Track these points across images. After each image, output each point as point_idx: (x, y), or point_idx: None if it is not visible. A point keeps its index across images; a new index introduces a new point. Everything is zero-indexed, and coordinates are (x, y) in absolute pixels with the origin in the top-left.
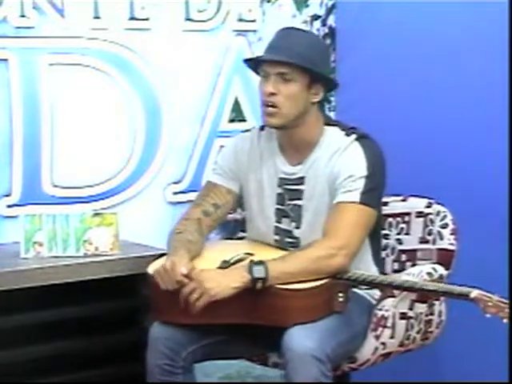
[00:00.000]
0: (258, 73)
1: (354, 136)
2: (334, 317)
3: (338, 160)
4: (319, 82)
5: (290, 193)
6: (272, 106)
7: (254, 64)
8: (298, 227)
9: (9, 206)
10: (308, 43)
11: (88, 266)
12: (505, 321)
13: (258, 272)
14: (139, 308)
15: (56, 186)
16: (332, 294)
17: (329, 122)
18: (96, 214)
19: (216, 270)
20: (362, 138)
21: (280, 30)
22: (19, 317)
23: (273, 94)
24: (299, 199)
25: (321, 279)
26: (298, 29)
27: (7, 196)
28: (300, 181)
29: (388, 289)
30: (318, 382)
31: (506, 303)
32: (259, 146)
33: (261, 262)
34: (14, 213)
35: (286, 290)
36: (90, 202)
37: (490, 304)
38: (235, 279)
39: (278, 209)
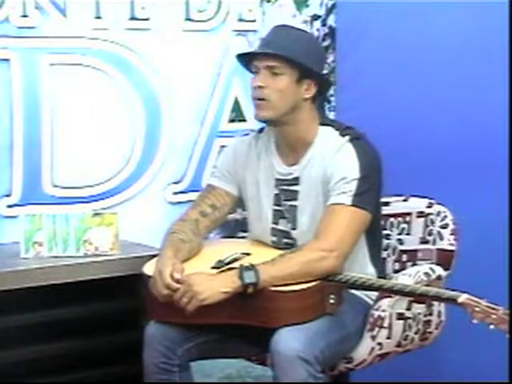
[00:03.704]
0: (251, 72)
1: (347, 137)
2: (324, 318)
3: (331, 161)
4: (310, 78)
5: (285, 193)
6: (262, 100)
7: (246, 61)
8: (294, 228)
9: (9, 206)
10: (297, 39)
11: (88, 266)
12: (491, 327)
13: (249, 277)
14: (139, 308)
15: (56, 186)
16: (323, 296)
17: (324, 122)
18: (96, 214)
19: (206, 274)
20: (355, 140)
21: (273, 27)
22: (19, 317)
23: (261, 88)
24: (294, 200)
25: (312, 281)
26: (291, 26)
27: (7, 196)
28: (295, 181)
29: (379, 292)
30: (306, 382)
31: (494, 309)
32: (257, 148)
33: (252, 267)
34: (14, 213)
35: (277, 291)
36: (90, 201)
37: (477, 309)
38: (225, 284)
39: (275, 210)
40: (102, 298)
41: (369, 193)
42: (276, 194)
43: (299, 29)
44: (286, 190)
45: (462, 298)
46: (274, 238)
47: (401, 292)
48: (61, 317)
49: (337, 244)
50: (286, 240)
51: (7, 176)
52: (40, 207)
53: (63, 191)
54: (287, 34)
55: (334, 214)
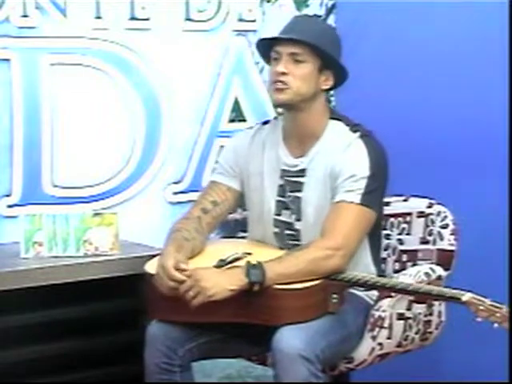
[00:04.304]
0: (267, 61)
1: (358, 133)
2: (326, 317)
3: (341, 157)
4: (330, 69)
5: (290, 184)
6: (283, 84)
7: (266, 47)
8: (298, 219)
9: (9, 206)
10: (321, 29)
11: (88, 266)
12: (496, 325)
13: (256, 275)
14: (139, 308)
15: (56, 186)
16: (326, 295)
17: (334, 116)
18: (96, 214)
19: (213, 270)
20: (365, 136)
21: (294, 16)
22: (19, 317)
23: (284, 74)
24: (299, 191)
25: (315, 279)
26: (312, 16)
27: (7, 196)
28: (301, 173)
29: (381, 290)
30: (308, 381)
31: (498, 307)
32: (261, 139)
33: (258, 265)
34: (14, 213)
35: (280, 289)
36: (91, 201)
37: (481, 308)
38: (232, 282)
39: (278, 201)
40: (102, 298)
41: (376, 192)
42: (280, 185)
43: (319, 19)
44: (292, 182)
45: (466, 296)
46: (277, 230)
47: (404, 291)
48: (61, 317)
49: (343, 242)
50: (288, 231)
51: (7, 176)
52: (40, 207)
53: (63, 191)
54: (311, 22)
55: (341, 211)
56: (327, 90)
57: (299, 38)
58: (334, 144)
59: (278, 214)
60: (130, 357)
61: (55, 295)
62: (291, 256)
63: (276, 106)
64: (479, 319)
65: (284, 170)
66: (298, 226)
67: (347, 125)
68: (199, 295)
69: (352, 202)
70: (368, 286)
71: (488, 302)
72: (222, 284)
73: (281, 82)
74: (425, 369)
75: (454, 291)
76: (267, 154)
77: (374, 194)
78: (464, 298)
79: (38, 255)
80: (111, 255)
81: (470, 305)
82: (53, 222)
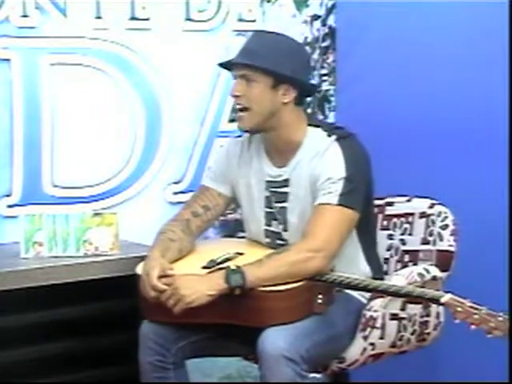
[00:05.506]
0: None
1: (334, 137)
2: (312, 318)
3: (319, 162)
4: (286, 83)
5: (276, 195)
6: (241, 110)
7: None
8: (285, 229)
9: (9, 206)
10: (271, 45)
11: (88, 266)
12: (473, 327)
13: (235, 280)
14: (139, 308)
15: (56, 186)
16: (311, 296)
17: (312, 123)
18: (96, 214)
19: (193, 277)
20: (342, 139)
21: (252, 33)
22: (19, 317)
23: (238, 96)
24: (285, 201)
25: (299, 281)
26: (268, 32)
27: (8, 196)
28: (285, 183)
29: (365, 291)
30: (293, 382)
31: (476, 309)
32: (249, 150)
33: (238, 270)
34: (14, 213)
35: (264, 291)
36: (91, 201)
37: (459, 309)
38: (211, 287)
39: (267, 212)
40: (102, 298)
41: (355, 192)
42: (267, 197)
43: (277, 33)
44: (277, 192)
45: (445, 298)
46: (268, 240)
47: (386, 292)
48: (61, 317)
49: (324, 244)
50: (278, 241)
51: (7, 176)
52: (40, 207)
53: (63, 191)
54: (262, 40)
55: (320, 213)
56: (298, 101)
57: (238, 61)
58: (312, 151)
59: (269, 225)
60: (129, 357)
61: (55, 295)
62: (272, 259)
63: (240, 131)
64: (457, 321)
65: (269, 182)
66: (285, 236)
67: (325, 130)
68: (179, 302)
69: (330, 204)
70: (351, 287)
71: (468, 303)
72: (201, 290)
73: (238, 105)
74: (424, 369)
75: (435, 292)
76: (254, 166)
77: (353, 194)
78: (443, 300)
79: (38, 255)
80: (111, 255)
81: (449, 306)
82: (53, 221)
